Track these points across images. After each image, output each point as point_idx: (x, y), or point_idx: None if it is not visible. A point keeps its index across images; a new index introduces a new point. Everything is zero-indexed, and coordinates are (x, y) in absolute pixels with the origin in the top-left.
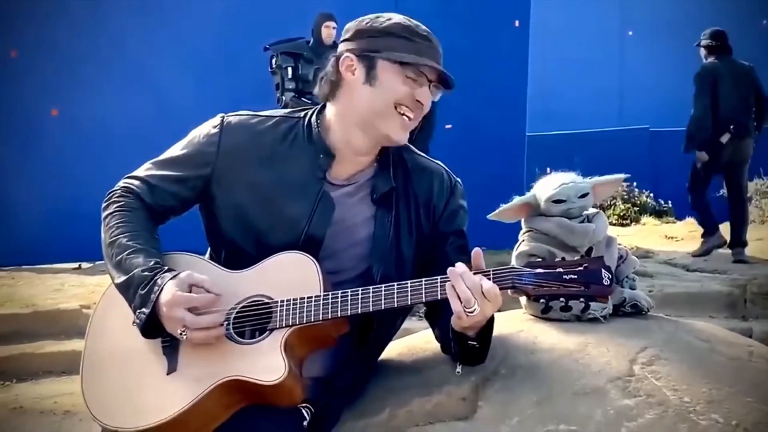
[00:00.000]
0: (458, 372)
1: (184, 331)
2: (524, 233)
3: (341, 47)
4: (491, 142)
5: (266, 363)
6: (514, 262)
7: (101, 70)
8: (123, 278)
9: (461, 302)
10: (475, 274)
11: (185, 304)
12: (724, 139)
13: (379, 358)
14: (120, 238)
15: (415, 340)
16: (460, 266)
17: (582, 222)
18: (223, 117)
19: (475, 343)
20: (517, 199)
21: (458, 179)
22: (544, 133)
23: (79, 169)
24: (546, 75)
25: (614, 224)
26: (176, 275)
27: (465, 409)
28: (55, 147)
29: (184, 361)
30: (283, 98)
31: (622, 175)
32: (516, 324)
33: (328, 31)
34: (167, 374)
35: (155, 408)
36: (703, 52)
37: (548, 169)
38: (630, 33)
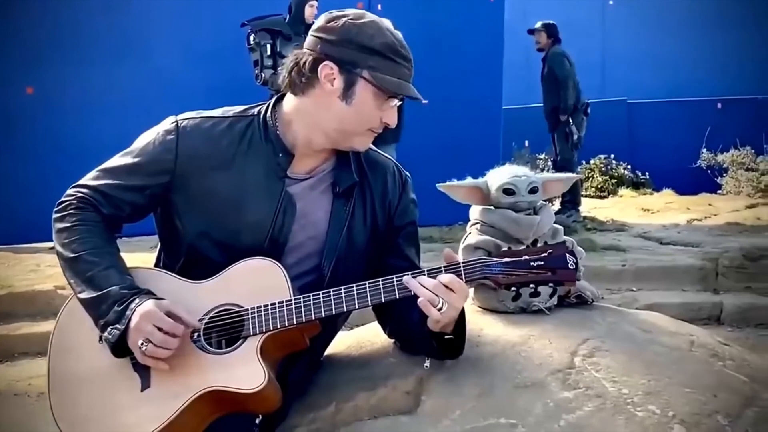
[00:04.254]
0: (426, 366)
1: (144, 344)
2: (471, 225)
3: (321, 46)
4: (467, 116)
5: (245, 371)
6: (460, 255)
7: (76, 48)
8: (94, 294)
9: (430, 304)
10: (446, 268)
11: (158, 323)
12: (588, 112)
13: (328, 351)
14: (85, 254)
15: (364, 333)
16: (408, 279)
17: (528, 214)
18: (177, 122)
19: (452, 336)
20: (469, 180)
21: (408, 173)
22: (522, 106)
23: (56, 147)
24: (528, 45)
25: (592, 196)
26: (158, 298)
27: (409, 403)
28: (31, 126)
29: (157, 377)
30: (263, 75)
31: (574, 176)
32: None
33: (311, 10)
34: (141, 391)
35: (135, 427)
36: (543, 40)
37: (526, 143)
38: (611, 2)
